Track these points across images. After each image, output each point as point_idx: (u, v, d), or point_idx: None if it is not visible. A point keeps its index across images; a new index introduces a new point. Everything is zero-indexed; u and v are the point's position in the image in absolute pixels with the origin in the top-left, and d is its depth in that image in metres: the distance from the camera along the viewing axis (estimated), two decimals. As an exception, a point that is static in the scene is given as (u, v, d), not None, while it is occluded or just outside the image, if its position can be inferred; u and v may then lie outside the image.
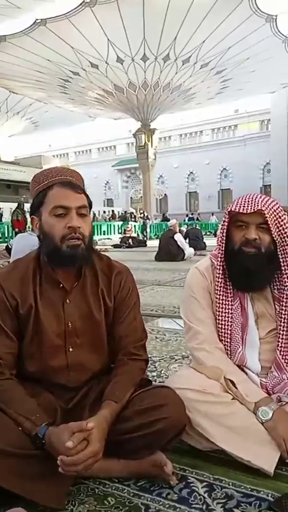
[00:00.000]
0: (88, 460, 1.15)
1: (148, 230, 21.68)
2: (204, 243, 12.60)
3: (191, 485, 1.32)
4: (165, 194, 42.18)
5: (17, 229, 14.06)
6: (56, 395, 1.44)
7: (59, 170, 1.45)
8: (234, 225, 1.52)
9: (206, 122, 42.43)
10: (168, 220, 26.79)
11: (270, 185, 36.60)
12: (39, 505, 1.21)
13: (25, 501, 1.19)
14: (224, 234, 1.55)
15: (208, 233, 22.39)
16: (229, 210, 1.51)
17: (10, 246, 7.31)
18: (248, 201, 1.47)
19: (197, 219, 30.57)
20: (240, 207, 1.47)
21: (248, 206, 1.45)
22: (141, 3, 18.40)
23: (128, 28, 20.11)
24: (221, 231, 1.57)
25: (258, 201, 1.46)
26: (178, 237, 9.74)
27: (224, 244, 1.55)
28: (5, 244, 11.64)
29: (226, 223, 1.54)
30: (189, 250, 9.86)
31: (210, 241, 14.19)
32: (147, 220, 23.28)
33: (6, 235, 15.93)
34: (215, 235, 20.76)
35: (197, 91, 27.48)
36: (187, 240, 11.16)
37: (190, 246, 10.37)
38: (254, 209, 1.44)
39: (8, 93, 28.83)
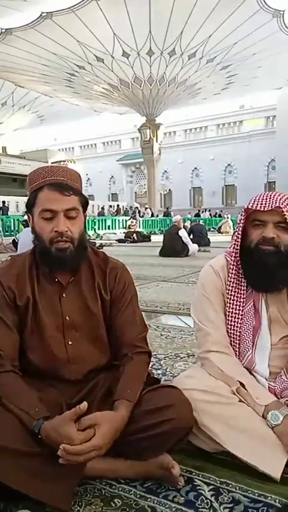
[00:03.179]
0: (91, 453, 1.14)
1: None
2: (209, 239, 12.62)
3: (198, 488, 1.31)
4: (169, 189, 42.08)
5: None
6: (59, 390, 1.44)
7: (52, 170, 1.44)
8: (251, 224, 1.45)
9: (211, 118, 42.20)
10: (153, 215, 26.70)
11: (275, 182, 36.43)
12: (45, 506, 1.20)
13: (31, 501, 1.19)
14: (240, 233, 1.49)
15: (212, 229, 22.33)
16: (246, 207, 1.45)
17: (17, 240, 7.33)
18: (266, 199, 1.40)
19: (219, 215, 29.86)
20: (257, 204, 1.41)
21: (265, 203, 1.39)
22: (148, -3, 18.33)
23: (134, 22, 20.06)
24: (237, 229, 1.51)
25: (276, 198, 1.39)
26: (182, 233, 9.73)
27: (239, 243, 1.49)
28: (12, 237, 11.67)
29: (243, 222, 1.48)
30: (193, 246, 9.85)
31: (214, 238, 14.21)
32: (137, 215, 23.00)
33: (12, 229, 15.95)
34: (218, 231, 20.76)
35: (203, 86, 27.40)
36: (191, 236, 11.14)
37: (194, 242, 10.36)
38: (271, 207, 1.38)
39: (14, 87, 28.82)
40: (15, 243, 8.79)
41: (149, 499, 1.26)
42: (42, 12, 18.82)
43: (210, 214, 31.98)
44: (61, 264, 1.41)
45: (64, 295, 1.46)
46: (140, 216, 23.81)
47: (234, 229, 16.61)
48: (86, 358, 1.47)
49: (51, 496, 1.20)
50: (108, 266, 1.53)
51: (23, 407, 1.25)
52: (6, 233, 15.18)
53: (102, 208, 26.86)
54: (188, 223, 15.37)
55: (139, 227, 19.50)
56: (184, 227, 10.80)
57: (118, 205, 29.37)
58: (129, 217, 22.37)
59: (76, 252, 1.41)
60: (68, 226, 1.39)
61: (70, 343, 1.45)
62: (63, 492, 1.21)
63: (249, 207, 1.43)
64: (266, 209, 1.39)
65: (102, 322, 1.50)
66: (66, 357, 1.44)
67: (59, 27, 19.80)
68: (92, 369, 1.49)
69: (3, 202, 20.62)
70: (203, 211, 33.36)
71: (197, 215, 31.12)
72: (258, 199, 1.43)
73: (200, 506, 1.23)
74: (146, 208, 27.40)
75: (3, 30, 20.23)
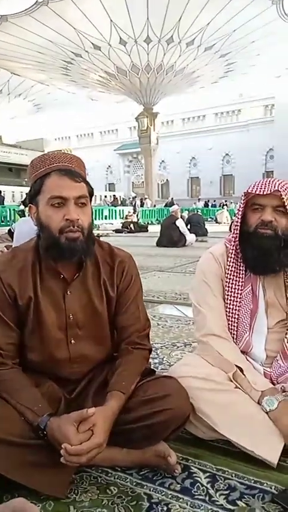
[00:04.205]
0: (92, 452, 1.14)
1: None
2: (206, 229, 12.59)
3: (194, 476, 1.32)
4: (167, 179, 41.92)
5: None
6: (59, 385, 1.43)
7: (58, 156, 1.36)
8: (250, 208, 1.50)
9: (209, 106, 41.88)
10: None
11: (273, 171, 36.33)
12: (41, 494, 1.21)
13: (27, 490, 1.19)
14: (240, 217, 1.53)
15: (209, 219, 22.31)
16: (246, 191, 1.49)
17: (12, 230, 7.30)
18: (265, 183, 1.45)
19: (224, 205, 29.05)
20: (257, 188, 1.45)
21: (265, 188, 1.44)
22: (145, -17, 18.06)
23: (131, 9, 19.80)
24: (237, 213, 1.56)
25: (275, 183, 1.44)
26: (180, 223, 9.71)
27: (239, 227, 1.53)
28: (7, 227, 11.63)
29: (242, 206, 1.52)
30: (190, 236, 9.84)
31: (212, 228, 14.20)
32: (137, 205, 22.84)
33: (8, 219, 15.88)
34: (216, 221, 20.73)
35: (201, 74, 27.15)
36: (189, 226, 11.12)
37: (192, 232, 10.34)
38: (270, 190, 1.42)
39: (10, 75, 28.47)
40: (11, 233, 8.76)
41: (145, 487, 1.27)
42: (38, -1, 18.56)
43: (213, 205, 31.41)
44: (71, 255, 1.33)
45: (69, 292, 1.40)
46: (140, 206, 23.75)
47: (231, 219, 16.62)
48: (89, 357, 1.45)
49: (48, 486, 1.21)
50: (116, 260, 1.47)
51: (25, 403, 1.24)
52: (2, 223, 15.13)
53: (117, 197, 26.56)
54: (185, 213, 15.33)
55: (137, 217, 19.47)
56: (181, 217, 10.78)
57: (114, 196, 29.22)
58: (132, 207, 22.32)
59: (85, 243, 1.34)
60: (79, 214, 1.31)
61: (73, 342, 1.41)
62: (59, 481, 1.22)
63: (249, 191, 1.47)
64: (265, 193, 1.43)
65: (106, 320, 1.46)
66: (68, 356, 1.41)
67: (55, 14, 19.49)
68: (93, 367, 1.48)
69: (-1, 191, 20.51)
70: (205, 201, 33.01)
71: (206, 205, 30.83)
72: (258, 184, 1.47)
73: (196, 493, 1.23)
74: (145, 198, 27.26)
75: (-2, 17, 19.95)
